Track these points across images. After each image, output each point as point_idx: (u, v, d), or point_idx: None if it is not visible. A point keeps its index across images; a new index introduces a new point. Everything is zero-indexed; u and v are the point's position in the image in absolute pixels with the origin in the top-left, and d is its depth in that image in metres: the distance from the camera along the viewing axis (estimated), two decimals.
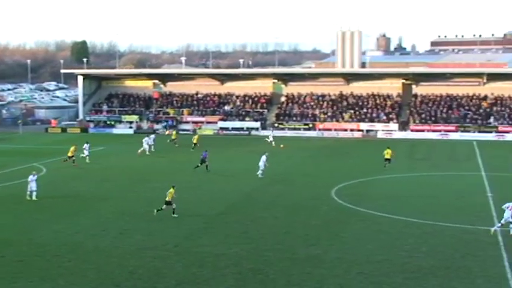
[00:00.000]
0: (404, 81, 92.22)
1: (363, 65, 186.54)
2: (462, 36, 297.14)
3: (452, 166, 56.87)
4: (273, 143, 70.83)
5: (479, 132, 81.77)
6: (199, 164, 53.08)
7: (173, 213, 35.90)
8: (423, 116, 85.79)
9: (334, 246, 30.05)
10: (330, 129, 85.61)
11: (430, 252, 29.12)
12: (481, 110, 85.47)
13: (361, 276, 25.84)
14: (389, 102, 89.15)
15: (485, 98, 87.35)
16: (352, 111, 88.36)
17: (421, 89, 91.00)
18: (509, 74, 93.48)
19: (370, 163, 58.49)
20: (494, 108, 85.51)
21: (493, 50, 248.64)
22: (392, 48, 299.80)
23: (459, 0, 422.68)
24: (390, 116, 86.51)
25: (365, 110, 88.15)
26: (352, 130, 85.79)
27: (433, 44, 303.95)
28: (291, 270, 26.53)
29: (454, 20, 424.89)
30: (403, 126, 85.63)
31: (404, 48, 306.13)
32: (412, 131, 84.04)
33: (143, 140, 65.33)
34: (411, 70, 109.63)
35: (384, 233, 32.58)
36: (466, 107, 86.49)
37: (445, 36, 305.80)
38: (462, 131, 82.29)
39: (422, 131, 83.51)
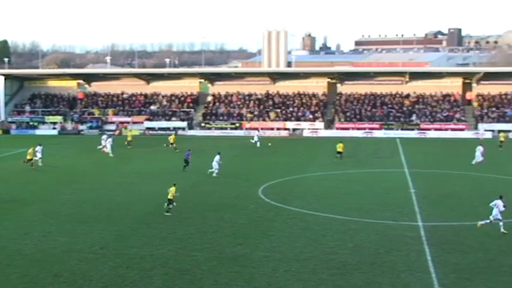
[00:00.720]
0: (329, 80, 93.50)
1: (289, 64, 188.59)
2: (385, 36, 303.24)
3: (376, 163, 57.94)
4: (258, 143, 70.45)
5: (402, 129, 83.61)
6: (185, 164, 52.79)
7: (167, 211, 36.22)
8: (348, 114, 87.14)
9: (261, 245, 30.21)
10: (256, 128, 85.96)
11: (356, 248, 29.61)
12: (403, 108, 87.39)
13: (289, 274, 26.06)
14: (314, 101, 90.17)
15: (407, 96, 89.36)
16: (278, 110, 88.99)
17: (346, 88, 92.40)
18: (430, 73, 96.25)
19: (296, 161, 59.03)
20: (416, 106, 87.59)
21: (415, 49, 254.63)
22: (317, 47, 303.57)
23: (382, 1, 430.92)
24: (316, 114, 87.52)
25: (291, 109, 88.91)
26: (278, 129, 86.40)
27: (357, 43, 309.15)
28: (219, 270, 26.54)
29: (378, 20, 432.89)
30: (329, 125, 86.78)
31: (330, 48, 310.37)
32: (337, 129, 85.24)
33: (102, 139, 65.12)
34: (336, 69, 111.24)
35: (311, 230, 32.95)
36: (389, 105, 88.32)
37: (369, 36, 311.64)
38: (386, 129, 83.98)
39: (348, 129, 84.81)
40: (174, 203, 36.40)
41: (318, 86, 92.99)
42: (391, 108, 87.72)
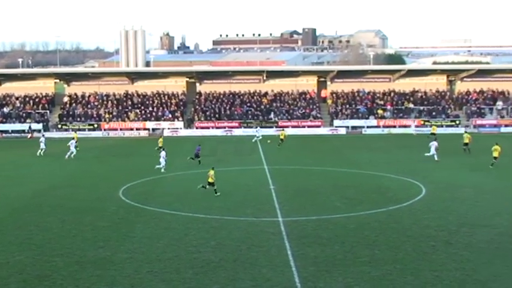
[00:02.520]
0: (188, 79, 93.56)
1: (147, 63, 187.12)
2: (243, 35, 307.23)
3: (237, 161, 58.62)
4: (258, 140, 72.30)
5: (261, 127, 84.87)
6: (193, 158, 55.56)
7: (215, 192, 40.68)
8: (208, 113, 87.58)
9: (123, 247, 29.82)
10: (115, 129, 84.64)
11: (218, 246, 29.86)
12: (262, 106, 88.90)
13: (152, 275, 25.91)
14: (174, 101, 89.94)
15: (265, 94, 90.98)
16: (137, 110, 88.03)
17: (205, 87, 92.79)
18: (287, 71, 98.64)
19: (157, 161, 58.66)
20: (274, 104, 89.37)
21: (272, 48, 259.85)
22: (176, 47, 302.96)
23: (239, 1, 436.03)
24: (176, 114, 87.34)
25: (150, 109, 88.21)
26: (138, 129, 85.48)
27: (215, 42, 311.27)
28: (80, 274, 25.96)
29: (235, 20, 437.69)
30: (189, 124, 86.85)
31: (188, 47, 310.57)
32: (197, 128, 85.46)
33: (40, 141, 63.23)
34: (195, 68, 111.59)
35: (173, 230, 32.90)
36: (248, 104, 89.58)
37: (227, 36, 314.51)
38: (245, 127, 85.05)
39: (208, 127, 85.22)
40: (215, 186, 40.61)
41: (177, 86, 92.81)
42: (249, 106, 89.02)
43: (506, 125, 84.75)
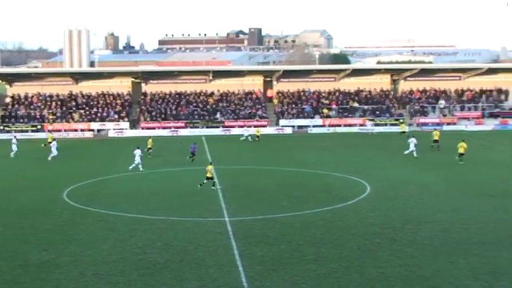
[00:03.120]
0: (133, 79, 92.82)
1: (92, 64, 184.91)
2: (189, 35, 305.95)
3: (183, 161, 58.33)
4: (250, 137, 74.47)
5: (207, 127, 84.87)
6: (191, 156, 57.77)
7: (213, 185, 43.01)
8: (153, 113, 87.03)
9: (68, 250, 29.40)
10: (59, 130, 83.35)
11: (164, 247, 29.69)
12: (208, 106, 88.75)
13: (97, 277, 25.62)
14: (119, 101, 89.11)
15: (211, 94, 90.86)
16: (82, 111, 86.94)
17: (151, 87, 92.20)
18: (233, 71, 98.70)
19: (102, 162, 58.09)
20: (220, 104, 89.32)
21: (218, 48, 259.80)
22: (121, 47, 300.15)
23: (185, 0, 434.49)
24: (121, 114, 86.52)
25: (95, 110, 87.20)
26: (82, 130, 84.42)
27: (161, 42, 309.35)
28: (23, 278, 25.51)
29: (181, 20, 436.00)
30: (134, 125, 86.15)
31: (133, 47, 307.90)
32: (143, 128, 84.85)
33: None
34: (140, 69, 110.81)
35: (118, 231, 32.58)
36: (194, 104, 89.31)
37: (172, 35, 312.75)
38: (191, 127, 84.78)
39: (154, 128, 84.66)
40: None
41: (122, 86, 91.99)
42: (195, 106, 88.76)
43: (448, 123, 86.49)
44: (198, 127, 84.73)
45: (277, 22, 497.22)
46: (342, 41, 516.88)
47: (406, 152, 58.53)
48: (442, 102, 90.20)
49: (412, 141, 58.75)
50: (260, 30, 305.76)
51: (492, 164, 54.54)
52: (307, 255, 28.23)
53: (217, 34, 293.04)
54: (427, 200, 39.89)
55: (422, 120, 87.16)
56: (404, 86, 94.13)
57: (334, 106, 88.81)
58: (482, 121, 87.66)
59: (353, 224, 33.67)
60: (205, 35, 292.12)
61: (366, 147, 66.98)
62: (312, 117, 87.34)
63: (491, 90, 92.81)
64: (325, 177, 48.96)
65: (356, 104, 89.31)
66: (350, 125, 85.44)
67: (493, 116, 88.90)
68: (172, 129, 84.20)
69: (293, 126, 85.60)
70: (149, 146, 61.65)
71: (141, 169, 51.73)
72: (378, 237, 31.11)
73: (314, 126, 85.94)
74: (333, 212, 36.63)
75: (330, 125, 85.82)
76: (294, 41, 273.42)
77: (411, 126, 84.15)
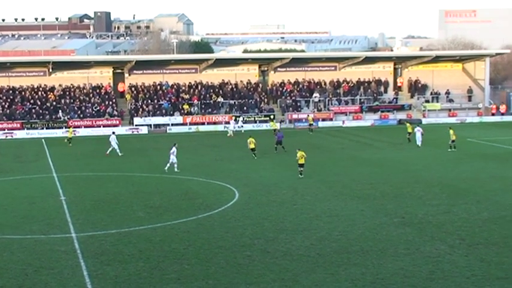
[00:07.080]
0: None
1: None
2: (23, 20, 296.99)
3: (19, 169, 56.67)
4: (231, 132, 78.54)
5: (48, 128, 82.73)
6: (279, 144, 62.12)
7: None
8: None
9: None
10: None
11: None
12: (48, 104, 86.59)
13: None
14: None
15: (52, 89, 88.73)
16: None
17: None
18: (77, 62, 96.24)
19: None
20: (63, 101, 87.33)
21: (59, 35, 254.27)
22: None
23: None
24: None
25: None
26: None
27: None
28: None
29: (13, 1, 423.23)
30: None
31: None
32: None
33: None
34: None
35: None
36: (31, 101, 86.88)
37: (3, 20, 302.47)
38: (29, 128, 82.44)
39: None
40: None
41: None
42: (33, 104, 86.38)
43: (323, 119, 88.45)
44: (36, 128, 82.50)
45: (128, 5, 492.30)
46: (204, 27, 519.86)
47: (418, 143, 64.85)
48: (316, 96, 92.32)
49: (419, 130, 65.28)
50: (108, 14, 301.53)
51: (371, 163, 56.45)
52: (168, 274, 28.14)
53: (57, 19, 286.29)
54: (302, 206, 40.73)
55: (295, 116, 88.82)
56: (274, 77, 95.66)
57: (195, 101, 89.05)
58: (361, 116, 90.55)
59: (220, 236, 33.88)
60: (43, 19, 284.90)
61: (233, 147, 67.51)
62: (171, 115, 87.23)
63: (369, 82, 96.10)
64: (187, 182, 49.01)
65: (220, 99, 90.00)
66: (215, 123, 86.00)
67: (372, 110, 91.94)
68: (6, 131, 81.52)
69: (149, 125, 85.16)
70: (69, 135, 59.64)
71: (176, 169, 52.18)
72: (249, 249, 31.46)
73: (173, 124, 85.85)
74: (197, 223, 36.71)
75: (192, 123, 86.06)
76: (148, 27, 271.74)
77: (283, 123, 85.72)
